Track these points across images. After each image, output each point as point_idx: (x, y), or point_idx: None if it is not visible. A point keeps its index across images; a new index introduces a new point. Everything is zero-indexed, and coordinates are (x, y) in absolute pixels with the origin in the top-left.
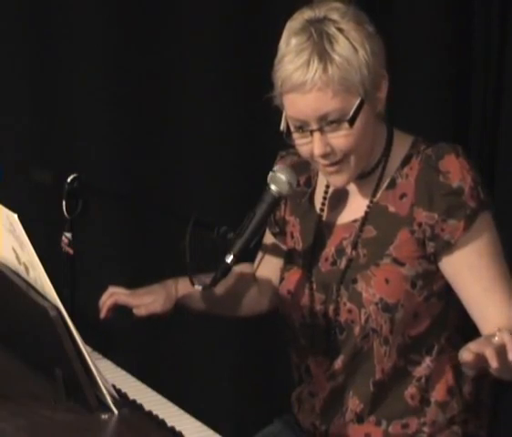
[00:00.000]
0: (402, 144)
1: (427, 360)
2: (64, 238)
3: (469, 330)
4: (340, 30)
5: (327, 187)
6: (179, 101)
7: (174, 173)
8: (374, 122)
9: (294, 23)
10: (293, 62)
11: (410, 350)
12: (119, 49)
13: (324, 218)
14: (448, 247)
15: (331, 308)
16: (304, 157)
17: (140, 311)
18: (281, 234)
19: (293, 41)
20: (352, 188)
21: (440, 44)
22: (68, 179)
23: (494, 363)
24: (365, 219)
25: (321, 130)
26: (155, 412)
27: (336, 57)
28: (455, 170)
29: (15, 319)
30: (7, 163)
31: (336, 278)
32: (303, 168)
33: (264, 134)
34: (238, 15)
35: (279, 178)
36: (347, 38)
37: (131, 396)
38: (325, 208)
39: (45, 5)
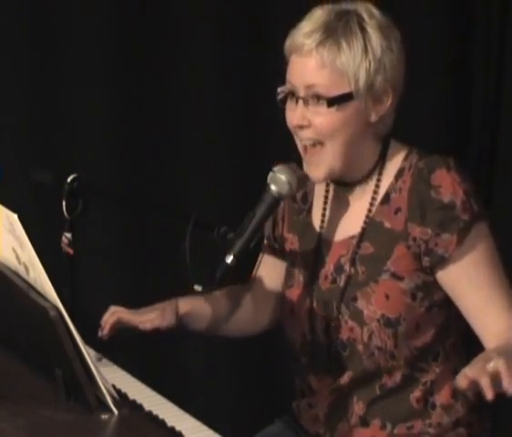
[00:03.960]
0: (396, 157)
1: (433, 366)
2: (64, 238)
3: (474, 335)
4: (361, 26)
5: (325, 203)
6: (178, 101)
7: (174, 173)
8: (364, 130)
9: (327, 5)
10: (304, 27)
11: (417, 359)
12: (119, 49)
13: (323, 235)
14: (443, 261)
15: (332, 326)
16: (289, 127)
17: (146, 326)
18: (280, 251)
19: (316, 13)
20: (348, 202)
21: (440, 44)
22: (68, 179)
23: (489, 394)
24: (362, 236)
25: (304, 100)
26: (155, 412)
27: (342, 41)
28: (447, 184)
29: (15, 319)
30: (7, 163)
31: (336, 296)
32: (300, 184)
33: (264, 134)
34: (238, 15)
35: (279, 179)
36: (363, 36)
37: (131, 396)
38: (325, 225)
39: (45, 4)
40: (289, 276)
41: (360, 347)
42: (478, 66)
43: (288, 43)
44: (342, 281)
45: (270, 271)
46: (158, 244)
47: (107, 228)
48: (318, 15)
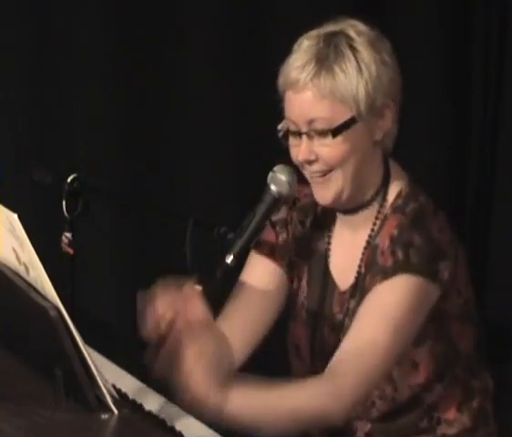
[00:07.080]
0: (396, 185)
1: (438, 387)
2: (64, 238)
3: (482, 355)
4: (351, 47)
5: (330, 230)
6: (179, 101)
7: (174, 173)
8: (371, 150)
9: (312, 31)
10: (295, 61)
11: (422, 390)
12: (119, 49)
13: (330, 262)
14: (382, 272)
15: None
16: (294, 161)
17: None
18: (292, 269)
19: (304, 43)
20: (351, 228)
21: (440, 45)
22: (68, 179)
23: None
24: (361, 267)
25: (308, 135)
26: (155, 412)
27: (335, 67)
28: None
29: (15, 319)
30: (7, 163)
31: (339, 332)
32: (310, 210)
33: (265, 134)
34: (238, 16)
35: (279, 179)
36: (355, 56)
37: (131, 396)
38: (331, 252)
39: (45, 5)
40: (294, 309)
41: None
42: (478, 67)
43: (281, 79)
44: (342, 318)
45: (263, 299)
46: (158, 244)
47: (107, 227)
48: (307, 46)
